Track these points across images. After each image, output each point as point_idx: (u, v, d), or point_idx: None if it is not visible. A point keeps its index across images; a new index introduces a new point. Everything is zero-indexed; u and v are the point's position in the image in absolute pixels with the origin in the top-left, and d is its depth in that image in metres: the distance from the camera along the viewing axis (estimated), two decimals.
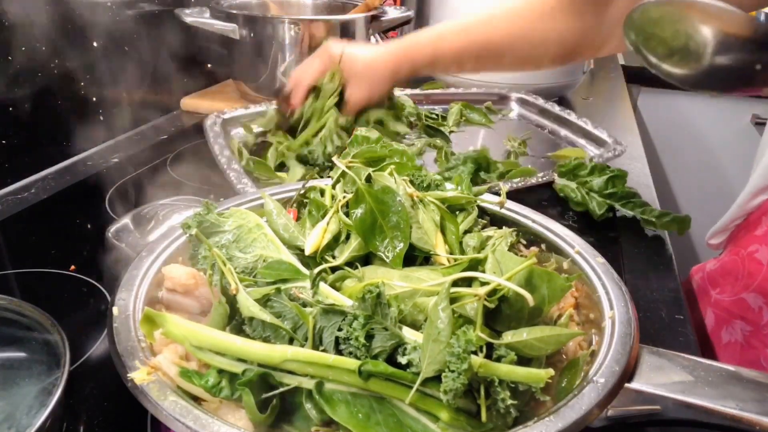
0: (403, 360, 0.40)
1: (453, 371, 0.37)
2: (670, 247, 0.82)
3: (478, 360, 0.38)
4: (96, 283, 0.67)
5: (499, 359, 0.40)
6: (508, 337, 0.42)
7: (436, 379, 0.39)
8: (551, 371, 0.39)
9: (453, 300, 0.42)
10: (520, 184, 0.88)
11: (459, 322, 0.41)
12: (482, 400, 0.39)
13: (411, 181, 0.59)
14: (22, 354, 0.51)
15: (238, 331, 0.46)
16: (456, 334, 0.39)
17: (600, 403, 0.38)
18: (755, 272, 0.80)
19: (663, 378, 0.41)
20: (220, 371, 0.41)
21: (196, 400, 0.41)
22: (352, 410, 0.39)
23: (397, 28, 1.47)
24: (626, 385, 0.41)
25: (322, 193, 0.61)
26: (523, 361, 0.41)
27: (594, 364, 0.42)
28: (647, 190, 0.99)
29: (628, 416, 0.40)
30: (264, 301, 0.45)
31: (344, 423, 0.38)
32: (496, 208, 0.62)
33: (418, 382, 0.39)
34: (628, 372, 0.41)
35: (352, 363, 0.39)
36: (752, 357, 0.79)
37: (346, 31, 1.21)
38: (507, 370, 0.39)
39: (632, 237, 0.83)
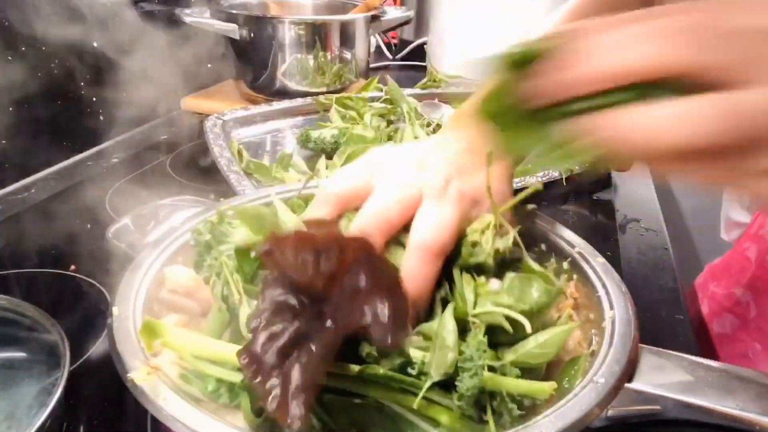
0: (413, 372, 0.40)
1: (469, 369, 0.37)
2: (671, 247, 0.82)
3: (486, 374, 0.38)
4: (96, 283, 0.67)
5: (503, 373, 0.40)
6: (510, 355, 0.42)
7: (437, 384, 0.39)
8: (554, 384, 0.40)
9: None
10: (519, 184, 0.88)
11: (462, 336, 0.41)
12: (490, 415, 0.39)
13: None
14: (22, 354, 0.51)
15: (237, 335, 0.45)
16: (465, 341, 0.39)
17: (600, 403, 0.38)
18: (746, 268, 0.81)
19: (663, 378, 0.41)
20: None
21: (195, 400, 0.40)
22: (352, 416, 0.39)
23: (397, 28, 1.47)
24: (626, 385, 0.40)
25: None
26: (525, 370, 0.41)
27: (594, 364, 0.42)
28: (648, 190, 0.99)
29: (628, 416, 0.40)
30: None
31: (344, 430, 0.38)
32: None
33: (426, 386, 0.38)
34: (629, 372, 0.41)
35: (353, 368, 0.39)
36: (740, 350, 0.80)
37: (346, 31, 1.21)
38: (513, 384, 0.39)
39: (632, 237, 0.83)
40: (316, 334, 0.35)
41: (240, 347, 0.37)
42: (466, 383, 0.37)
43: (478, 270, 0.45)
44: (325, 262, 0.36)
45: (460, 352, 0.38)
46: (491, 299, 0.42)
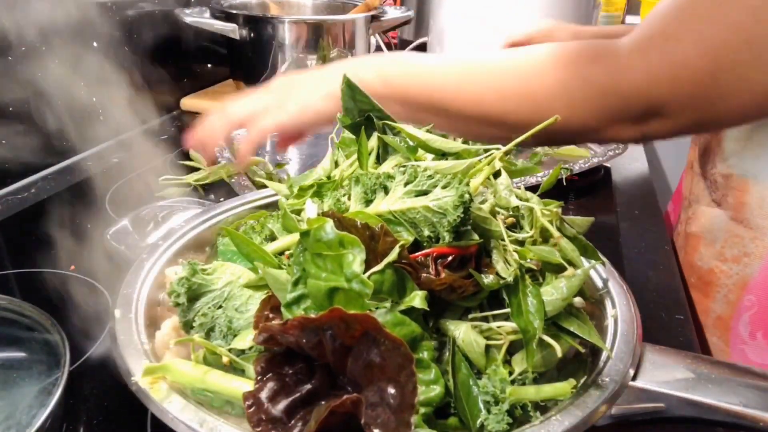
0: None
1: (495, 414, 0.37)
2: (671, 247, 0.82)
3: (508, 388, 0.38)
4: (96, 283, 0.67)
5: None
6: (522, 364, 0.41)
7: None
8: (573, 381, 0.40)
9: None
10: (520, 184, 0.88)
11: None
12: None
13: None
14: (22, 354, 0.51)
15: None
16: (487, 373, 0.39)
17: (605, 402, 0.38)
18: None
19: (666, 376, 0.41)
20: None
21: (199, 401, 0.40)
22: None
23: (397, 28, 1.47)
24: (630, 383, 0.40)
25: None
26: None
27: (598, 363, 0.42)
28: (648, 190, 0.99)
29: (632, 414, 0.40)
30: None
31: None
32: None
33: None
34: (632, 370, 0.41)
35: None
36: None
37: (346, 31, 1.21)
38: (537, 391, 0.39)
39: (632, 237, 0.83)
40: (328, 400, 0.34)
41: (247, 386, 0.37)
42: (493, 426, 0.37)
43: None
44: (332, 339, 0.35)
45: (482, 387, 0.38)
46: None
